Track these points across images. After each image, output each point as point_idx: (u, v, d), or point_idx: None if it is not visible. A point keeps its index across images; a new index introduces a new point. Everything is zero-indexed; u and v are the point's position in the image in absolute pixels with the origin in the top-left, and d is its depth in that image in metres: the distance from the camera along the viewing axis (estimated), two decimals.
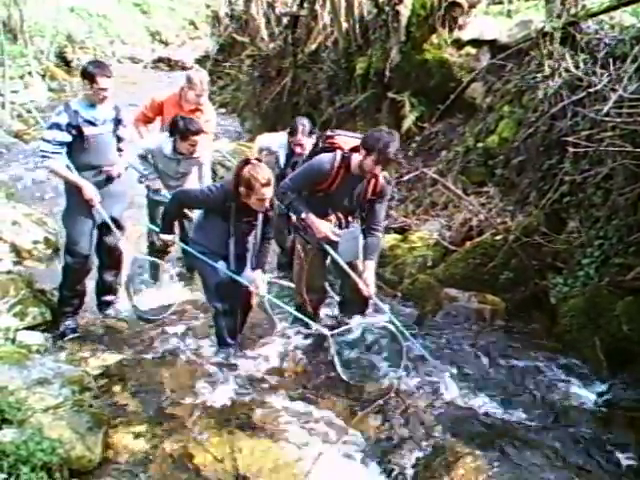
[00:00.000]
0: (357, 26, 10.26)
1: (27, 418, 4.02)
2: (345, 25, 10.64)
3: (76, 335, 5.67)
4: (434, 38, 8.75)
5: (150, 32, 28.97)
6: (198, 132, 6.04)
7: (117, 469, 3.98)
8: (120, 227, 5.85)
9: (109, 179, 5.58)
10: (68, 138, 5.32)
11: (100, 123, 5.46)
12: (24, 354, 5.02)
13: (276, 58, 13.54)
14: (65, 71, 20.41)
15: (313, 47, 12.28)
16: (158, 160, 6.25)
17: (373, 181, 5.14)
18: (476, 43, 8.59)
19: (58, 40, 21.15)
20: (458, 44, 8.71)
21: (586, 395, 4.89)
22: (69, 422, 4.10)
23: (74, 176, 5.42)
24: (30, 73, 17.33)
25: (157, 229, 6.02)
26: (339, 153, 5.08)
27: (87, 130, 5.36)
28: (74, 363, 5.12)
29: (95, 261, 5.92)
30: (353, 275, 5.25)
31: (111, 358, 5.28)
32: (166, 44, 28.75)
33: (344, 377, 5.06)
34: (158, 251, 6.60)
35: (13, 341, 5.28)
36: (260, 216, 5.11)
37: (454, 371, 5.19)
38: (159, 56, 25.00)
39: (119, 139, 5.71)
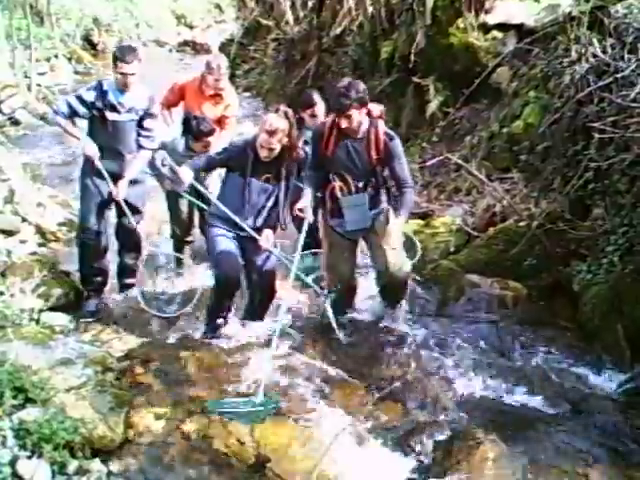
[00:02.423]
0: (383, 9, 10.19)
1: (50, 397, 4.07)
2: (370, 9, 10.58)
3: (99, 317, 5.72)
4: (460, 22, 8.68)
5: (176, 15, 29.01)
6: (211, 133, 6.07)
7: (138, 449, 4.02)
8: (137, 211, 5.87)
9: (126, 164, 5.59)
10: (84, 112, 5.44)
11: (124, 111, 5.48)
12: (48, 334, 5.09)
13: (301, 42, 13.52)
14: (91, 54, 20.51)
15: (338, 31, 12.25)
16: (172, 156, 6.22)
17: (373, 139, 5.09)
18: (502, 27, 8.50)
19: (84, 23, 21.24)
20: (484, 28, 8.62)
21: (608, 383, 4.87)
22: (91, 402, 4.16)
23: (75, 130, 5.56)
24: (56, 56, 17.40)
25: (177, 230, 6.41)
26: (332, 116, 5.24)
27: (110, 115, 5.41)
28: (97, 344, 5.17)
29: (115, 244, 5.98)
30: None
31: (133, 340, 5.32)
32: (191, 27, 28.78)
33: (340, 336, 5.36)
34: (180, 241, 6.64)
35: (37, 321, 5.34)
36: (282, 185, 5.18)
37: (474, 357, 5.20)
38: (184, 39, 25.04)
39: (145, 129, 5.70)
